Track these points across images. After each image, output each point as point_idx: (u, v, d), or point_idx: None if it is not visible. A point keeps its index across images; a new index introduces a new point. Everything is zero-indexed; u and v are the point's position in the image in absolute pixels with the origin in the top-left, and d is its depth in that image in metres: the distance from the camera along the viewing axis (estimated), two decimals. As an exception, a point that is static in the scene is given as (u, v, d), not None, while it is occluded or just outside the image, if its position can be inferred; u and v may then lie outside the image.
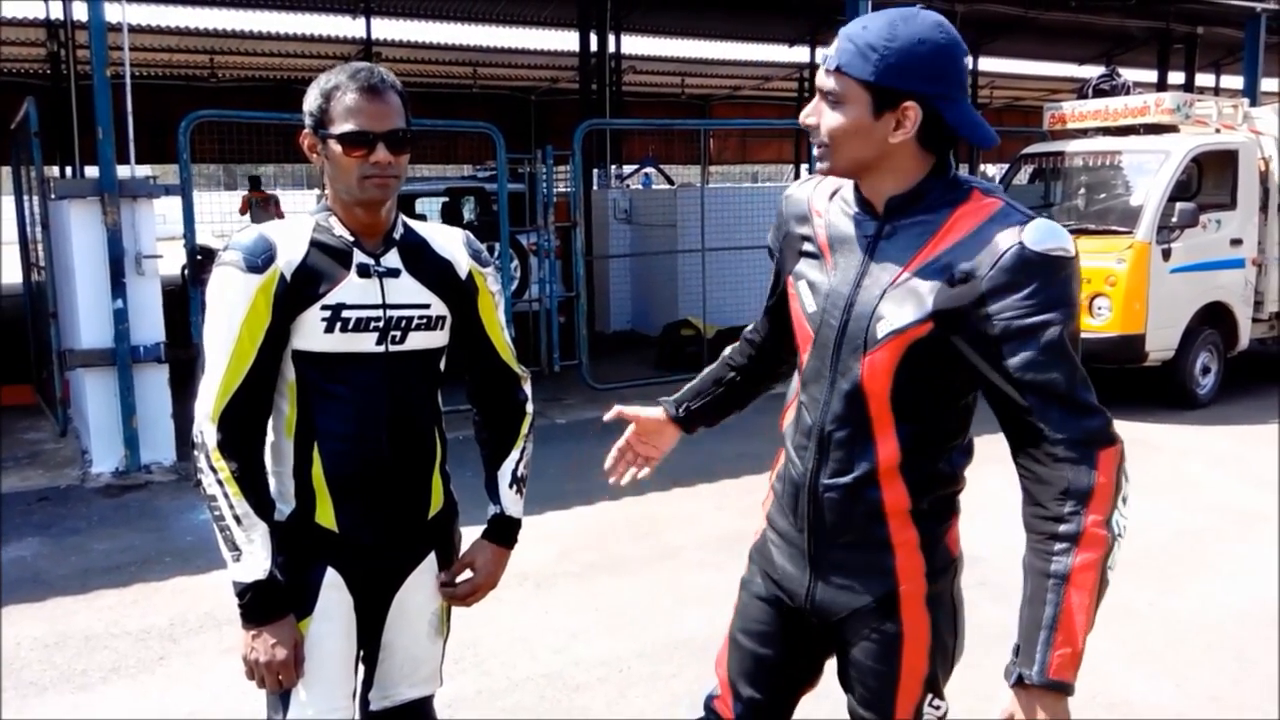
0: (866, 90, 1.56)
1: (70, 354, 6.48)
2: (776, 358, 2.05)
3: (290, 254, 1.83)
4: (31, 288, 8.61)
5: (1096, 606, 1.51)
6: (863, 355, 1.63)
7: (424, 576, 2.02)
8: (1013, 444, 1.58)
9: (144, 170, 7.10)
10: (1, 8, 14.18)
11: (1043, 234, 1.52)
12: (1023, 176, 9.57)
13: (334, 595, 1.91)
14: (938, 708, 1.77)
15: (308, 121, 1.85)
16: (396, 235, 1.94)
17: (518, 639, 3.95)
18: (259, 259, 1.80)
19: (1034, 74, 23.59)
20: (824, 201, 1.75)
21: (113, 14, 6.44)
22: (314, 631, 1.89)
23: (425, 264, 1.95)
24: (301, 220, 1.90)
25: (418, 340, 1.93)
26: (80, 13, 10.91)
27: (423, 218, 10.69)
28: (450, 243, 2.01)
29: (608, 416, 2.11)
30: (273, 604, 1.84)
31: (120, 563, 4.88)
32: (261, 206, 15.51)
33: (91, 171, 6.88)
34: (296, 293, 1.82)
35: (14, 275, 9.77)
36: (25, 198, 8.37)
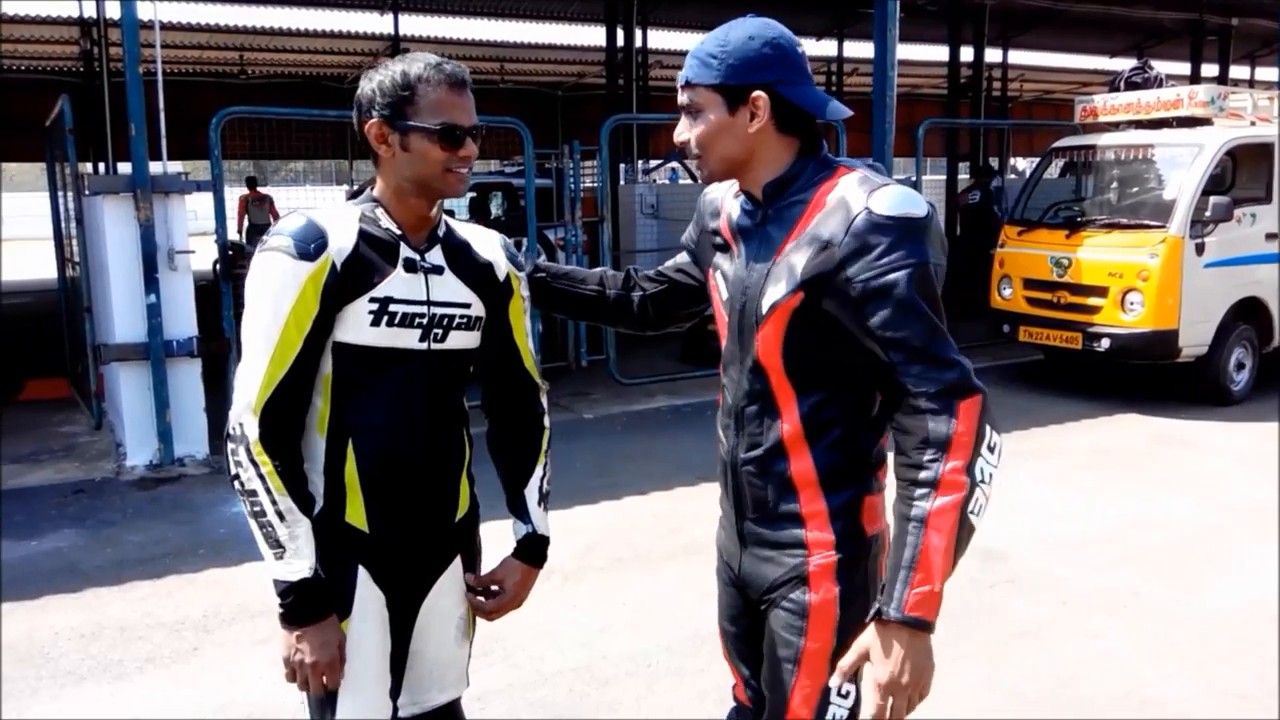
0: (717, 93, 1.73)
1: (104, 348, 6.56)
2: (639, 315, 2.17)
3: (341, 242, 1.79)
4: (66, 283, 8.73)
5: (958, 549, 1.59)
6: (756, 332, 1.76)
7: (451, 581, 1.99)
8: (884, 402, 1.69)
9: (176, 166, 7.18)
10: (36, 7, 14.36)
11: (890, 199, 1.63)
12: (1054, 170, 9.50)
13: (368, 594, 1.88)
14: (846, 695, 1.75)
15: (379, 111, 1.80)
16: (440, 233, 1.93)
17: (545, 633, 3.97)
18: (310, 246, 1.75)
19: (1064, 66, 23.35)
20: (731, 198, 1.90)
21: (145, 11, 6.50)
22: (354, 632, 1.86)
23: (468, 264, 1.94)
24: (346, 210, 1.87)
25: (457, 340, 1.91)
26: (113, 11, 11.02)
27: (450, 213, 10.73)
28: (490, 244, 2.01)
29: None
30: (318, 603, 1.79)
31: (154, 554, 4.94)
32: (257, 205, 15.65)
33: (124, 168, 6.96)
34: (346, 283, 1.78)
35: (50, 271, 9.91)
36: (60, 194, 8.49)
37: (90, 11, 13.36)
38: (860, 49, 18.69)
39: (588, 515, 5.42)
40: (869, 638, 1.62)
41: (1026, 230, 8.60)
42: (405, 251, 1.86)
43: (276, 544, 1.77)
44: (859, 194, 1.64)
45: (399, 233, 1.86)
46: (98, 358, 6.83)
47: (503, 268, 1.99)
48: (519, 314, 2.03)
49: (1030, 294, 8.39)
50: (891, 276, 1.59)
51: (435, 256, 1.90)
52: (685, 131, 1.79)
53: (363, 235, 1.83)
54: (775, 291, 1.71)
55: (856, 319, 1.63)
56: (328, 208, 1.88)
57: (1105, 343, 7.76)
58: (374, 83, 1.82)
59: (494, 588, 2.04)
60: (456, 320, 1.90)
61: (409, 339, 1.85)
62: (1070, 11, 15.61)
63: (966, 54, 16.44)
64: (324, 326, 1.79)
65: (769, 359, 1.75)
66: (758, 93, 1.70)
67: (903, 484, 1.63)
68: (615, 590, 4.46)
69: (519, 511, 2.08)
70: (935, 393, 1.59)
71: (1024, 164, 29.14)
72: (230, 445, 1.78)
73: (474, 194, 11.41)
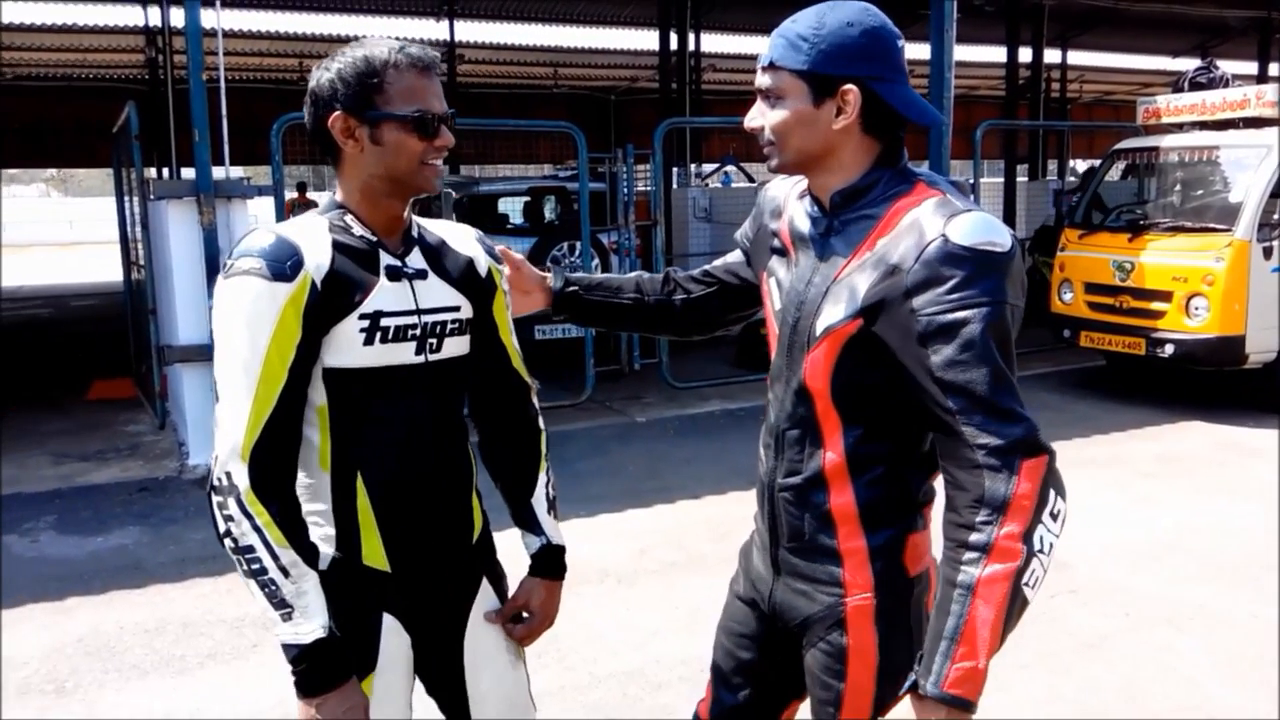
0: (803, 80, 1.57)
1: (168, 349, 6.70)
2: (683, 320, 2.04)
3: (317, 257, 1.60)
4: (132, 285, 8.93)
5: (1009, 623, 1.45)
6: (805, 353, 1.63)
7: (485, 607, 1.86)
8: (939, 448, 1.52)
9: (237, 171, 7.31)
10: (102, 16, 14.71)
11: (971, 227, 1.47)
12: (1115, 173, 9.33)
13: (393, 641, 1.73)
14: None
15: (342, 102, 1.62)
16: (415, 234, 1.76)
17: (598, 635, 3.97)
18: (285, 265, 1.56)
19: (1125, 67, 22.98)
20: (794, 199, 1.74)
21: (208, 20, 6.64)
22: (379, 688, 1.71)
23: (449, 263, 1.78)
24: (312, 220, 1.68)
25: (452, 347, 1.76)
26: (177, 19, 11.26)
27: (505, 218, 10.79)
28: (465, 239, 1.85)
29: (498, 249, 1.94)
30: (336, 666, 1.61)
31: (215, 552, 5.02)
32: (303, 209, 15.91)
33: (188, 173, 7.10)
34: (329, 302, 1.60)
35: (116, 273, 10.15)
36: (126, 198, 8.69)
37: (155, 20, 13.70)
38: (916, 50, 18.51)
39: (640, 519, 5.43)
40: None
41: (1087, 234, 8.45)
42: (385, 258, 1.69)
43: (282, 604, 1.57)
44: (936, 218, 1.49)
45: (375, 239, 1.69)
46: (162, 359, 6.97)
47: (483, 263, 1.84)
48: (503, 310, 1.88)
49: (1091, 298, 8.24)
50: (962, 314, 1.44)
51: (416, 260, 1.73)
52: (759, 117, 1.64)
53: (337, 246, 1.64)
54: (832, 314, 1.57)
55: (917, 356, 1.48)
56: (290, 221, 1.69)
57: (1169, 349, 7.60)
58: (332, 72, 1.64)
59: (525, 612, 1.91)
60: (449, 326, 1.75)
61: (404, 354, 1.69)
62: (1131, 11, 15.34)
63: (1025, 55, 16.22)
64: (309, 353, 1.60)
65: (816, 384, 1.61)
66: (849, 86, 1.55)
67: (950, 544, 1.47)
68: (668, 594, 4.45)
69: (528, 524, 1.93)
70: (996, 448, 1.43)
71: (1084, 165, 28.64)
72: (217, 499, 1.57)
73: (528, 197, 11.46)
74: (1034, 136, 17.22)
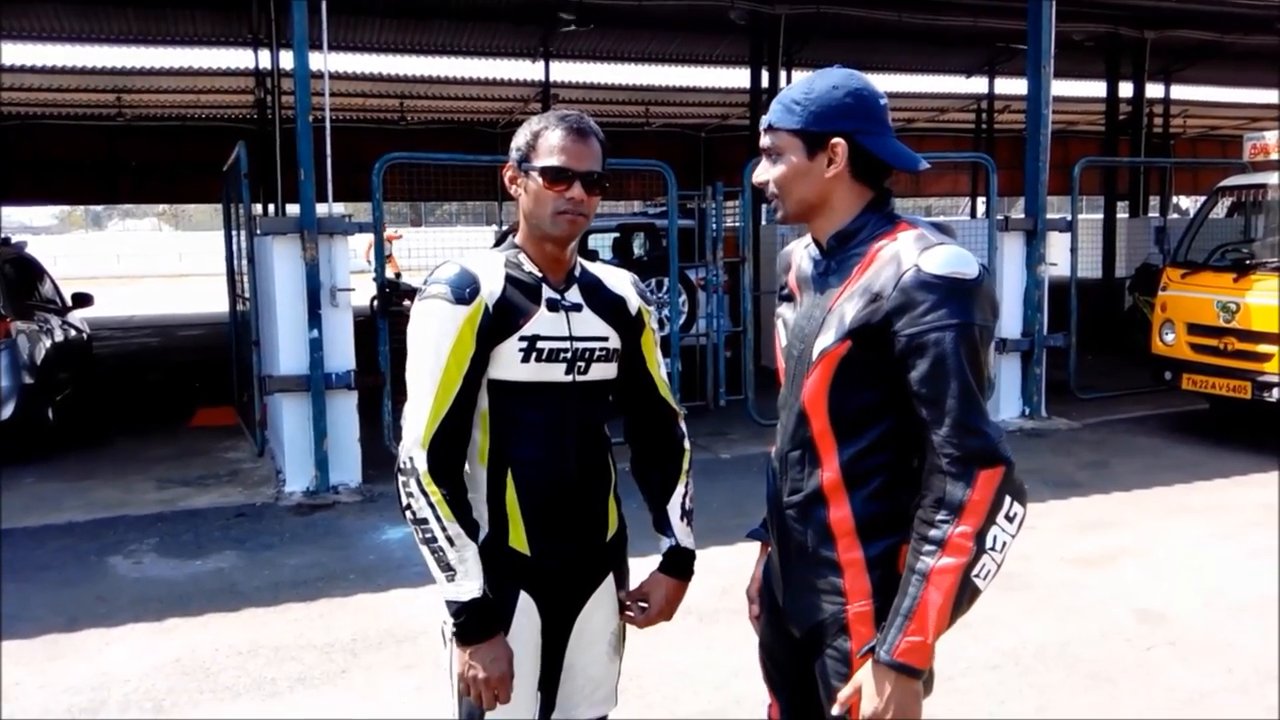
0: (798, 137, 1.80)
1: (269, 379, 6.92)
2: None
3: (491, 286, 1.94)
4: (237, 317, 9.26)
5: (957, 608, 1.66)
6: (804, 377, 1.82)
7: (603, 597, 2.10)
8: (919, 451, 1.73)
9: (339, 208, 7.54)
10: (216, 59, 15.35)
11: (940, 258, 1.67)
12: (1219, 210, 9.04)
13: (524, 619, 1.99)
14: None
15: (514, 156, 1.98)
16: (576, 274, 2.07)
17: (681, 674, 3.96)
18: (465, 291, 1.91)
19: (1232, 101, 22.30)
20: (801, 249, 1.97)
21: (314, 63, 6.89)
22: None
23: (602, 300, 2.08)
24: (492, 257, 2.02)
25: (598, 371, 2.05)
26: (286, 62, 11.71)
27: (595, 253, 10.93)
28: (621, 282, 2.15)
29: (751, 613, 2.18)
30: (488, 622, 1.92)
31: (308, 578, 5.16)
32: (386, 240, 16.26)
33: (293, 209, 7.34)
34: (497, 324, 1.93)
35: (221, 305, 10.54)
36: (234, 233, 9.03)
37: (265, 63, 14.26)
38: (1013, 85, 18.27)
39: (724, 556, 5.36)
40: (864, 673, 1.71)
41: (1191, 273, 8.19)
42: (547, 292, 2.00)
43: (448, 567, 1.89)
44: (911, 250, 1.70)
45: (540, 275, 2.01)
46: (263, 388, 7.20)
47: (634, 303, 2.13)
48: (650, 346, 2.17)
49: (1194, 339, 7.97)
50: (933, 335, 1.65)
51: (574, 295, 2.04)
52: (764, 173, 1.86)
53: (509, 279, 1.98)
54: (824, 339, 1.77)
55: (897, 372, 1.69)
56: (476, 255, 2.02)
57: (1277, 393, 7.30)
58: (518, 134, 2.00)
59: (643, 602, 2.16)
60: (596, 353, 2.04)
61: (555, 373, 1.99)
62: (1238, 45, 14.92)
63: (1125, 89, 15.87)
64: (480, 365, 1.93)
65: (813, 405, 1.80)
66: (837, 140, 1.77)
67: (915, 536, 1.69)
68: (751, 634, 4.38)
69: (663, 528, 2.19)
70: (956, 458, 1.65)
71: (1188, 202, 27.82)
72: (401, 478, 1.91)
73: (617, 234, 11.59)
74: (1135, 173, 16.80)
